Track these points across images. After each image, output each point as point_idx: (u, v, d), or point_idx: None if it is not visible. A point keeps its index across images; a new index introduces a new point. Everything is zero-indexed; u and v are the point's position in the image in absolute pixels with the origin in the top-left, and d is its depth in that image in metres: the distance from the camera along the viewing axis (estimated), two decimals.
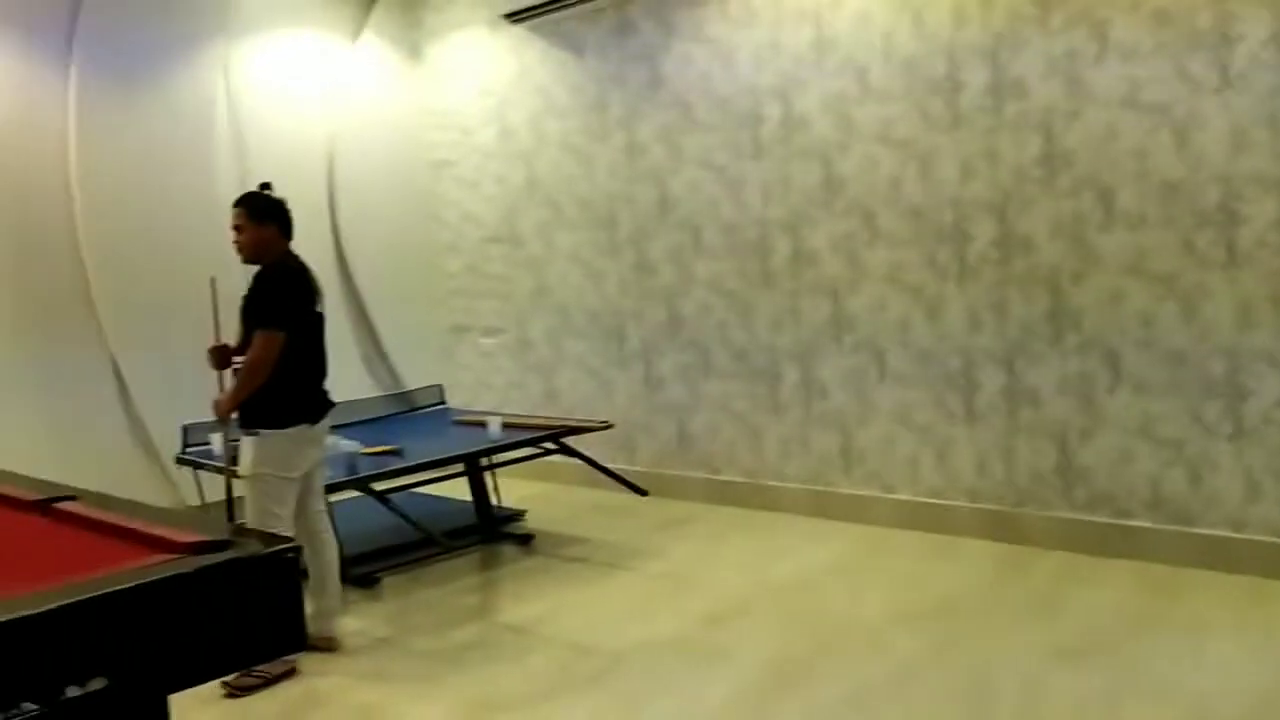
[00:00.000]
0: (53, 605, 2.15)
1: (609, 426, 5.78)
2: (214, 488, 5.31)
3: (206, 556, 2.48)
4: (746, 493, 6.27)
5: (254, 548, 2.56)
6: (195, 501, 5.95)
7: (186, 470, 5.43)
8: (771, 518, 6.02)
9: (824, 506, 5.92)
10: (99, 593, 2.22)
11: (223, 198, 6.57)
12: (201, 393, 6.14)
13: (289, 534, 3.97)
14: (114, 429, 6.13)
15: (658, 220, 6.57)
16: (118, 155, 6.11)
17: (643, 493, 5.61)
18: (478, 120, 7.49)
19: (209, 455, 5.21)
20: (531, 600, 4.79)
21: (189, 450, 5.33)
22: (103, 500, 3.30)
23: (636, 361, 6.78)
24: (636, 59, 6.55)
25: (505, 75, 7.27)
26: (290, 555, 2.53)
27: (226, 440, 4.17)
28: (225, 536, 2.64)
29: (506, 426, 5.42)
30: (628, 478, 5.66)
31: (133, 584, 2.28)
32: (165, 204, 6.32)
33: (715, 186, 6.25)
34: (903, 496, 5.65)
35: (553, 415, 6.63)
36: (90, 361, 6.05)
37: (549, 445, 5.47)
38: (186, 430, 5.37)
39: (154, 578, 2.33)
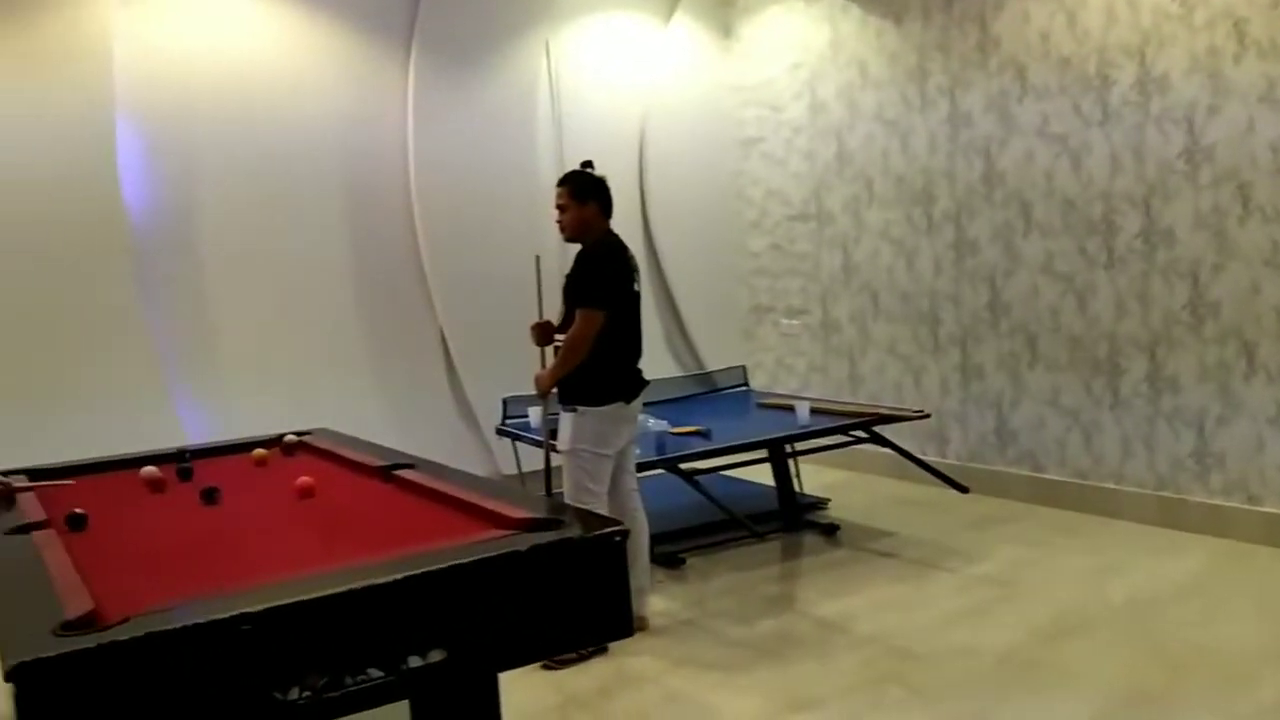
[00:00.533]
0: (400, 575, 2.18)
1: (925, 416, 5.43)
2: (531, 459, 5.50)
3: (538, 534, 2.46)
4: (1076, 494, 5.70)
5: (583, 529, 2.52)
6: (511, 471, 6.21)
7: (505, 440, 5.64)
8: (1106, 524, 5.43)
9: (1172, 515, 5.26)
10: (443, 565, 2.24)
11: (544, 177, 6.83)
12: (521, 367, 6.39)
13: (604, 510, 3.99)
14: (439, 398, 6.50)
15: (982, 196, 6.09)
16: (450, 139, 6.44)
17: (964, 489, 5.22)
18: (787, 95, 7.29)
19: (527, 428, 5.38)
20: (840, 594, 4.57)
21: (508, 422, 5.53)
22: (438, 469, 3.42)
23: (952, 348, 6.35)
24: (963, 21, 6.09)
25: (817, 47, 7.02)
26: (618, 539, 2.47)
27: (546, 415, 4.25)
28: (555, 515, 2.62)
29: (815, 412, 5.21)
30: (940, 470, 5.30)
31: (473, 559, 2.28)
32: (492, 184, 6.61)
33: (1051, 158, 5.69)
34: (1271, 509, 4.91)
35: (859, 402, 6.35)
36: (421, 333, 6.44)
37: (859, 433, 5.21)
38: (506, 403, 5.58)
39: (492, 553, 2.33)
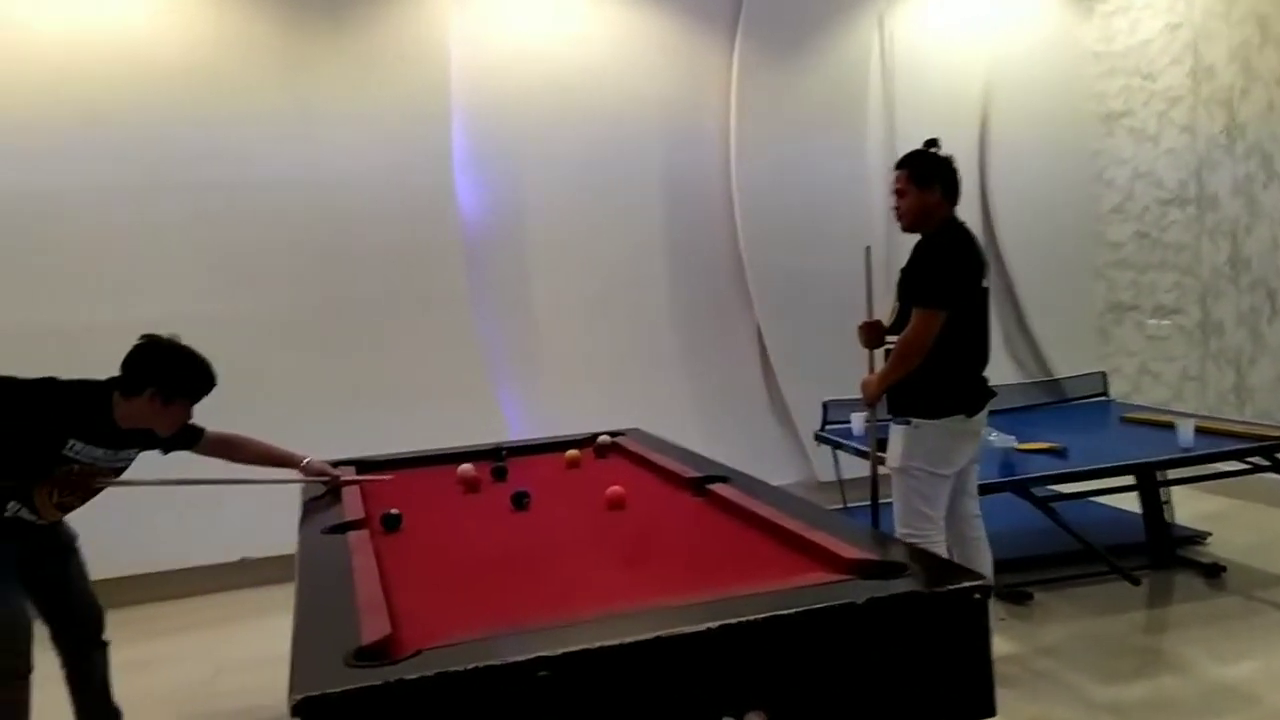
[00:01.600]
0: (714, 624, 1.86)
1: None
2: (851, 467, 5.06)
3: (876, 584, 2.06)
4: None
5: (932, 579, 2.08)
6: (829, 478, 5.80)
7: (824, 448, 5.24)
8: None
9: None
10: (763, 615, 1.90)
11: (873, 163, 6.33)
12: (843, 369, 5.91)
13: (939, 538, 3.49)
14: (753, 399, 6.20)
15: None
16: (773, 126, 6.11)
17: None
18: (1162, 61, 6.30)
19: (848, 435, 4.94)
20: (1234, 655, 3.76)
21: (828, 428, 5.12)
22: (753, 485, 3.09)
23: None
24: None
25: (1202, 3, 5.99)
26: (978, 595, 2.01)
27: (873, 426, 3.80)
28: (896, 559, 2.20)
29: (1200, 432, 4.37)
30: None
31: (798, 609, 1.92)
32: (816, 172, 6.21)
33: None
34: None
35: (1251, 421, 5.33)
36: (737, 331, 6.17)
37: (1258, 459, 4.31)
38: (827, 407, 5.17)
39: (821, 604, 1.95)
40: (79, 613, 3.11)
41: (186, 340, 2.96)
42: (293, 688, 1.69)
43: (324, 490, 3.38)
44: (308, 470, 3.40)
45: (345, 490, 3.33)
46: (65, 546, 3.11)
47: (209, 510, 4.92)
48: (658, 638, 1.83)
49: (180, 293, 5.10)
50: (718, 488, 3.03)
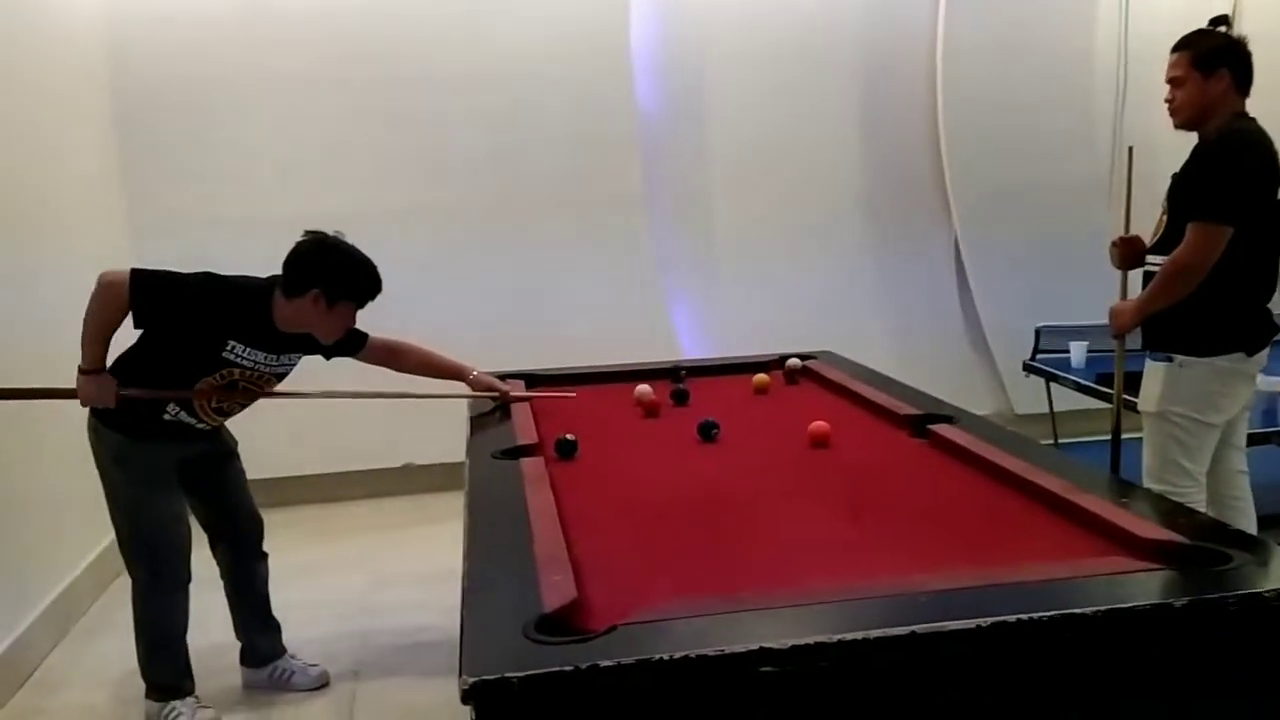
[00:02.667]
0: (986, 621, 1.45)
1: None
2: (1063, 401, 4.51)
3: (1195, 577, 1.59)
4: None
5: (1270, 573, 1.59)
6: (1027, 410, 5.23)
7: (1030, 380, 4.66)
8: None
9: None
10: (1050, 613, 1.47)
11: (1102, 61, 5.55)
12: (1052, 290, 5.33)
13: (1200, 496, 2.94)
14: (947, 322, 5.61)
15: None
16: (987, 17, 5.39)
17: None
18: None
19: (1065, 367, 4.37)
20: None
21: (1039, 357, 4.54)
22: (988, 430, 2.62)
23: None
24: None
25: None
26: None
27: (1120, 358, 3.22)
28: (1214, 543, 1.71)
29: None
30: None
31: (1095, 608, 1.49)
32: (1034, 72, 5.45)
33: None
34: None
35: None
36: (933, 246, 5.58)
37: None
38: (1039, 334, 4.58)
39: (1125, 603, 1.51)
40: (238, 522, 2.95)
41: (358, 239, 2.69)
42: (463, 667, 1.37)
43: (492, 406, 3.10)
44: (475, 384, 3.11)
45: (515, 408, 3.03)
46: (225, 453, 2.93)
47: (376, 415, 4.78)
48: (920, 633, 1.42)
49: (352, 188, 4.87)
50: (942, 429, 2.57)
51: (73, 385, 2.61)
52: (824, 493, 2.24)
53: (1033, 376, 4.58)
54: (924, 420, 2.69)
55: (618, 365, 3.69)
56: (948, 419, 2.67)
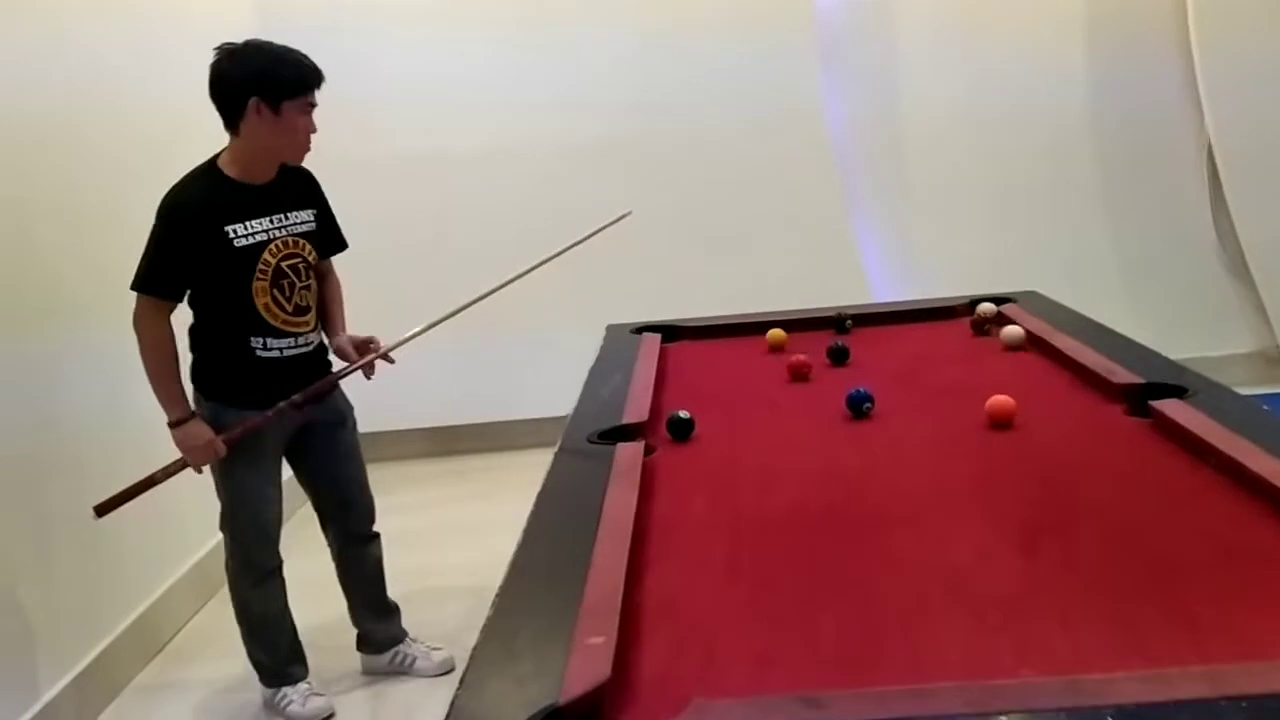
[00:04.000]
0: None
1: None
2: None
3: None
4: None
5: None
6: None
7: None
8: None
9: None
10: None
11: None
12: None
13: None
14: (1195, 241, 4.69)
15: None
16: None
17: None
18: None
19: None
20: None
21: None
22: (1232, 407, 1.96)
23: None
24: None
25: None
26: None
27: None
28: None
29: None
30: None
31: None
32: None
33: None
34: None
35: None
36: (1175, 148, 4.66)
37: None
38: None
39: None
40: (346, 499, 2.70)
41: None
42: None
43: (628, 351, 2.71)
44: (337, 352, 2.68)
45: (639, 367, 2.60)
46: (334, 421, 2.67)
47: (525, 363, 4.54)
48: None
49: (534, 122, 4.57)
50: (1169, 406, 1.94)
51: (173, 456, 2.45)
52: (993, 503, 1.69)
53: None
54: (1146, 392, 2.06)
55: (772, 314, 3.18)
56: (1179, 390, 2.03)
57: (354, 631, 2.84)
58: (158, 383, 2.40)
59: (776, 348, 2.81)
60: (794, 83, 4.55)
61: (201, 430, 2.41)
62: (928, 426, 2.11)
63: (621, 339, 2.99)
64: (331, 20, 4.40)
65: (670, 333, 3.05)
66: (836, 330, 2.94)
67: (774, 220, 4.63)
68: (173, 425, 2.42)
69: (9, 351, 2.57)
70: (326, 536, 2.75)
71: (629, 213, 2.78)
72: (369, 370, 2.64)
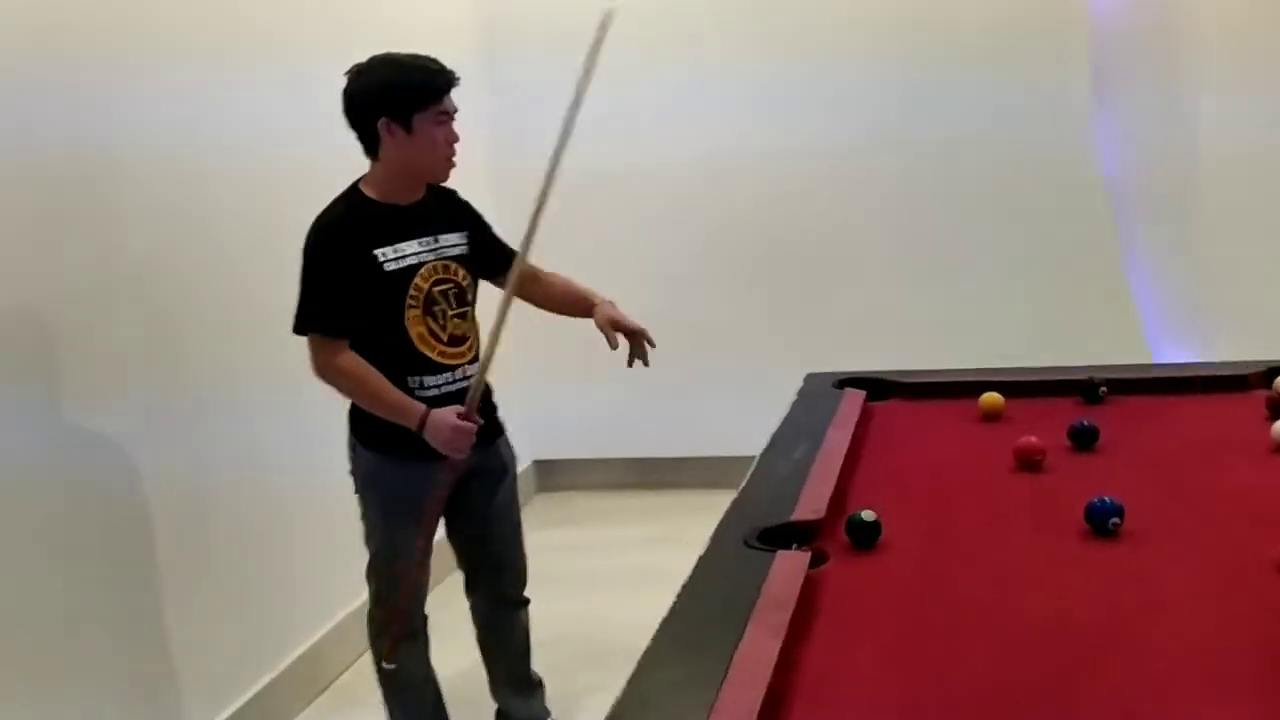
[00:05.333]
0: None
1: None
2: None
3: None
4: None
5: None
6: None
7: None
8: None
9: None
10: None
11: None
12: None
13: None
14: None
15: None
16: None
17: None
18: None
19: None
20: None
21: None
22: None
23: None
24: None
25: None
26: None
27: None
28: None
29: None
30: None
31: None
32: None
33: None
34: None
35: None
36: None
37: None
38: None
39: None
40: (498, 561, 2.46)
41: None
42: None
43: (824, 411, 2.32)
44: (599, 319, 2.40)
45: (833, 436, 2.19)
46: (495, 470, 2.44)
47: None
48: None
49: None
50: None
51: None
52: None
53: None
54: None
55: (1001, 371, 2.67)
56: None
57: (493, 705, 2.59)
58: (376, 408, 2.23)
59: (991, 416, 2.32)
60: (1063, 113, 3.94)
61: (442, 419, 2.20)
62: (1197, 558, 1.59)
63: (820, 393, 2.59)
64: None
65: (880, 388, 2.61)
66: (1086, 399, 2.41)
67: (1032, 262, 4.05)
68: (420, 427, 2.22)
69: (167, 383, 2.50)
70: (471, 599, 2.51)
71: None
72: (634, 355, 2.44)
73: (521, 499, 4.42)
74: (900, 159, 4.15)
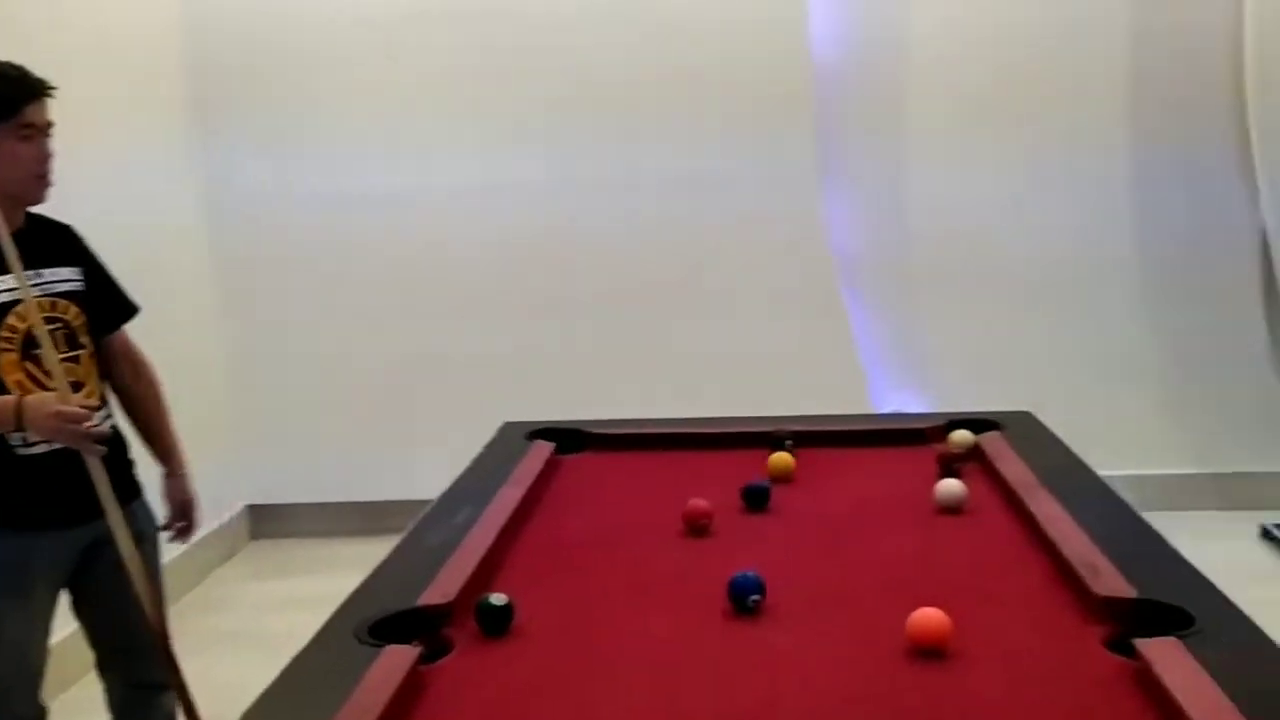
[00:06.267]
0: None
1: None
2: None
3: None
4: None
5: None
6: None
7: None
8: None
9: None
10: None
11: None
12: None
13: None
14: (1245, 341, 4.04)
15: None
16: None
17: None
18: None
19: None
20: None
21: None
22: (1255, 651, 1.37)
23: None
24: None
25: None
26: None
27: None
28: None
29: None
30: None
31: None
32: None
33: None
34: None
35: None
36: (1228, 238, 4.02)
37: None
38: None
39: None
40: (129, 639, 2.15)
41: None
42: None
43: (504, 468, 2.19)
44: (168, 493, 2.27)
45: (498, 500, 2.04)
46: (132, 537, 2.14)
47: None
48: None
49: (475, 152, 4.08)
50: (1158, 650, 1.34)
51: None
52: None
53: None
54: (1137, 612, 1.47)
55: (699, 420, 2.62)
56: (1183, 619, 1.43)
57: None
58: None
59: (781, 478, 2.22)
60: (782, 132, 4.01)
61: (40, 403, 1.88)
62: (837, 639, 1.53)
63: (510, 444, 2.45)
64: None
65: (574, 439, 2.50)
66: (774, 447, 2.37)
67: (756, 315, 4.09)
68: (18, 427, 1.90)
69: None
70: (104, 682, 2.20)
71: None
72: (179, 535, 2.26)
73: (232, 547, 4.21)
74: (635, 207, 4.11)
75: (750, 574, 1.61)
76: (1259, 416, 4.00)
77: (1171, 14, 3.91)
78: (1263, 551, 3.71)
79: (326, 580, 3.85)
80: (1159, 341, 4.06)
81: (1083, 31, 3.96)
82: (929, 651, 1.44)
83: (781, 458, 2.25)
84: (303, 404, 4.14)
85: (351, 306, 4.14)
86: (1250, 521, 3.80)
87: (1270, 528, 3.75)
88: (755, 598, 1.59)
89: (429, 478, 3.95)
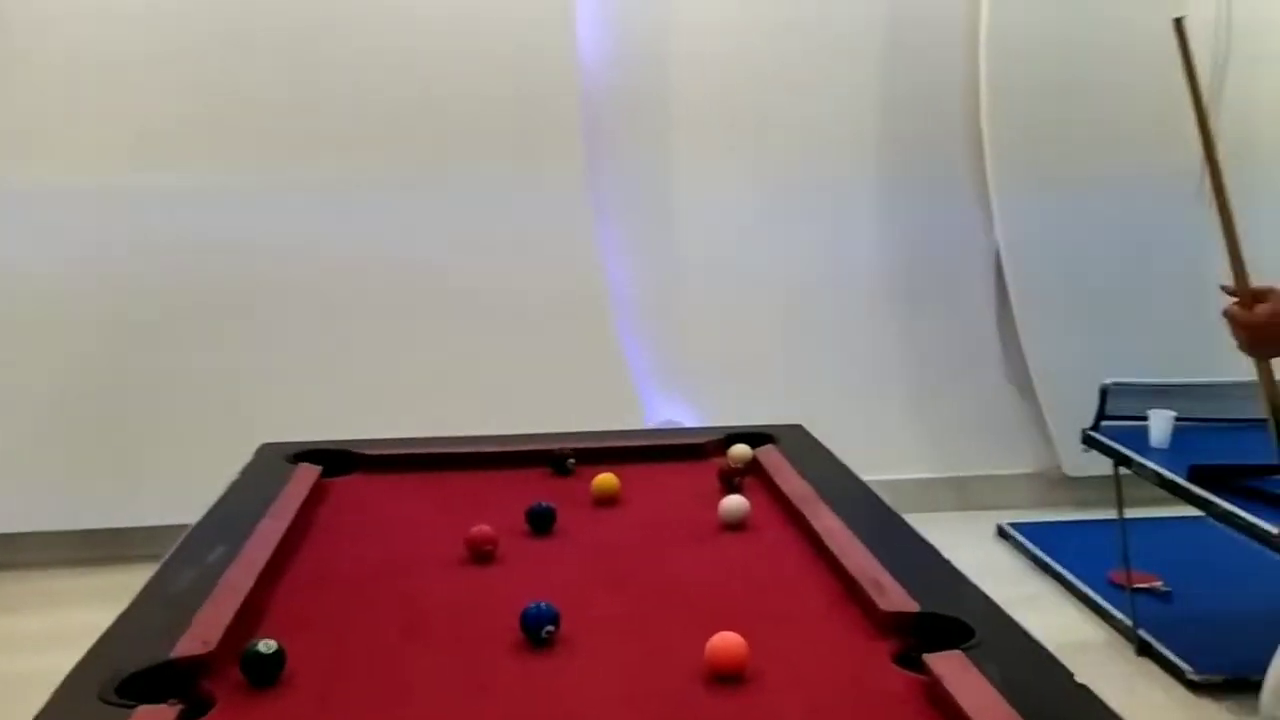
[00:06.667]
0: None
1: None
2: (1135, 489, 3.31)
3: None
4: None
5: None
6: (1079, 473, 4.04)
7: (1085, 452, 3.45)
8: None
9: None
10: None
11: (1202, 30, 4.21)
12: (1129, 331, 4.17)
13: None
14: (982, 357, 4.35)
15: None
16: None
17: None
18: None
19: (1142, 445, 3.17)
20: None
21: (1107, 426, 3.33)
22: (1030, 665, 1.43)
23: None
24: None
25: None
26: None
27: (1271, 397, 1.98)
28: None
29: None
30: None
31: None
32: (1105, 50, 4.17)
33: None
34: None
35: None
36: (968, 259, 4.35)
37: None
38: (1106, 394, 3.36)
39: None
40: None
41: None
42: None
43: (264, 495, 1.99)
44: None
45: (259, 534, 1.87)
46: None
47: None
48: None
49: (195, 158, 3.77)
50: (945, 664, 1.38)
51: None
52: None
53: (1092, 452, 3.37)
54: (922, 627, 1.51)
55: (479, 438, 2.51)
56: (964, 631, 1.48)
57: None
58: None
59: (605, 500, 2.13)
60: (548, 145, 3.98)
61: None
62: (634, 667, 1.47)
63: (270, 469, 2.25)
64: None
65: (342, 461, 2.33)
66: (555, 471, 2.30)
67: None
68: None
69: None
70: None
71: None
72: None
73: None
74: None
75: (544, 605, 1.54)
76: (993, 423, 4.34)
77: (916, 47, 4.19)
78: (1000, 550, 4.02)
79: (47, 617, 3.47)
80: (904, 355, 4.33)
81: (841, 63, 4.16)
82: (728, 678, 1.42)
83: (607, 479, 2.18)
84: (14, 430, 3.71)
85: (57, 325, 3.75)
86: (988, 522, 4.12)
87: (1005, 527, 4.07)
88: (550, 629, 1.52)
89: (164, 504, 3.64)
